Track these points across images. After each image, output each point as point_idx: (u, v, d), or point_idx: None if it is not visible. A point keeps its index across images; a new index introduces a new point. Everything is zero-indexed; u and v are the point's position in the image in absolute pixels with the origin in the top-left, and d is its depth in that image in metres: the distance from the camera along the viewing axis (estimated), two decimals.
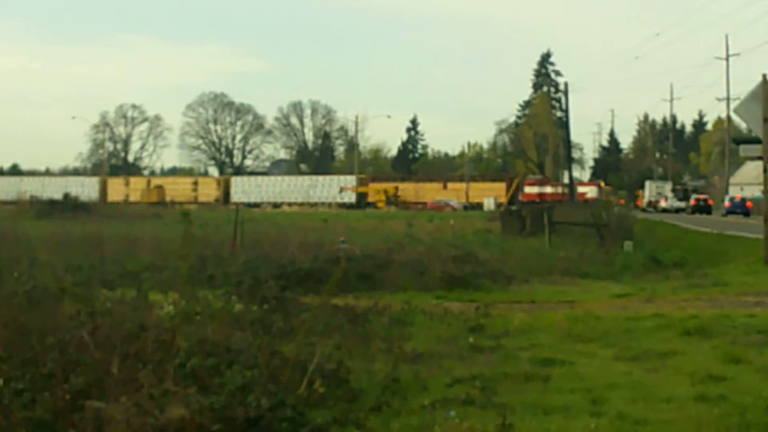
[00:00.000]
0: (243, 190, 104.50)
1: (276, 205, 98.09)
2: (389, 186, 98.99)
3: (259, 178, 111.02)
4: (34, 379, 7.19)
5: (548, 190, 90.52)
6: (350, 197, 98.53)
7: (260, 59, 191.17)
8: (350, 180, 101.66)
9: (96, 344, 7.74)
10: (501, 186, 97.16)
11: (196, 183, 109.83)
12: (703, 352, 10.64)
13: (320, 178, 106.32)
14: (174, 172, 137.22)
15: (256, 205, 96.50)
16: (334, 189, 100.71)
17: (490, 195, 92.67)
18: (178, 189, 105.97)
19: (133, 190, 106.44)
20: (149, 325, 8.23)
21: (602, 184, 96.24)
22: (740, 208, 65.11)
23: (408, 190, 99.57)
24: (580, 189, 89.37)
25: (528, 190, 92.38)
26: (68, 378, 7.18)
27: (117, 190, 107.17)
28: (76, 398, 7.01)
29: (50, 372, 7.28)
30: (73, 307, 9.19)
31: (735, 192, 77.01)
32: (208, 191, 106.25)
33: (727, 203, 67.89)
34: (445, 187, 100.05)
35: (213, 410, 6.80)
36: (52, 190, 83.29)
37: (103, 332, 7.96)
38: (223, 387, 7.12)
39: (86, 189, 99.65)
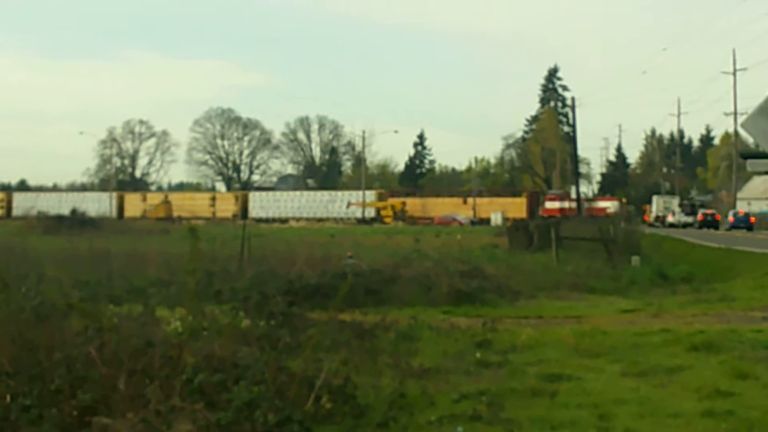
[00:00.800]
0: (261, 205, 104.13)
1: (283, 221, 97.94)
2: (396, 201, 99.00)
3: (278, 193, 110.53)
4: (42, 395, 7.20)
5: (569, 205, 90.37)
6: (359, 212, 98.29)
7: (267, 74, 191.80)
8: (369, 195, 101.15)
9: (103, 360, 7.75)
10: (521, 201, 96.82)
11: (213, 198, 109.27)
12: (710, 368, 10.63)
13: (339, 193, 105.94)
14: (181, 187, 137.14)
15: (274, 220, 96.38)
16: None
17: (510, 209, 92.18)
18: (195, 204, 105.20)
19: (150, 205, 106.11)
20: (156, 341, 8.24)
21: (624, 200, 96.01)
22: (744, 223, 66.01)
23: (416, 205, 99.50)
24: (601, 204, 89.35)
25: (549, 205, 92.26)
26: (75, 394, 7.20)
27: (134, 205, 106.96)
28: (84, 414, 7.03)
29: (57, 388, 7.29)
30: (80, 322, 9.20)
31: (742, 207, 77.10)
32: (226, 207, 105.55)
33: (731, 218, 68.32)
34: (465, 202, 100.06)
35: (220, 426, 6.82)
36: (69, 206, 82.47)
37: (110, 348, 7.98)
38: (230, 403, 7.13)
39: (102, 205, 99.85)
